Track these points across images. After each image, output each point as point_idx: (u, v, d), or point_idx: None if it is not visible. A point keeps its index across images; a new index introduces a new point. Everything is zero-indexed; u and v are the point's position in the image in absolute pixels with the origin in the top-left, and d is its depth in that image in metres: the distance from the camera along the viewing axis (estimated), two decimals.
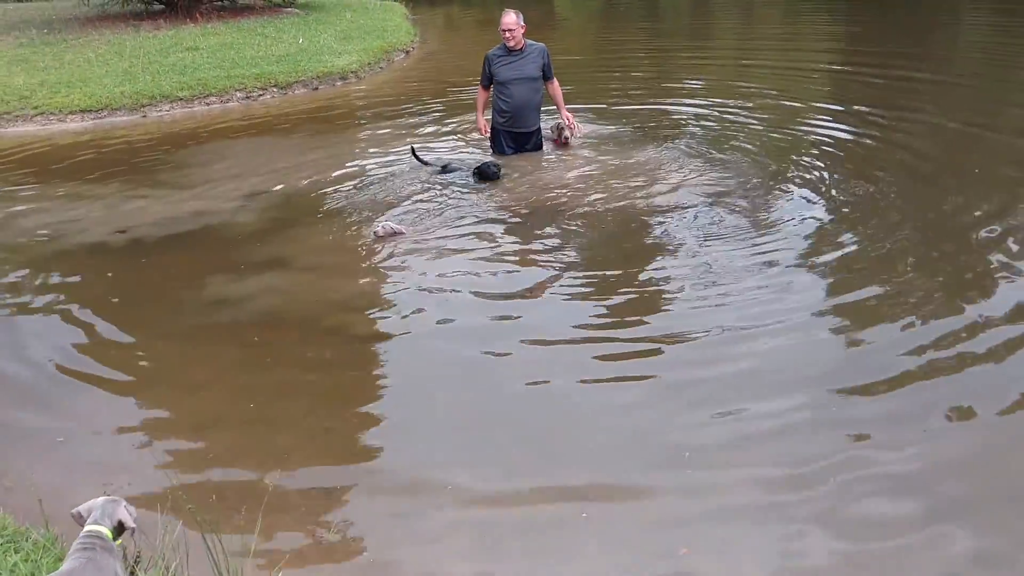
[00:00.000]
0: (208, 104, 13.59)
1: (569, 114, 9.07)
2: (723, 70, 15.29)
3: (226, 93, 13.88)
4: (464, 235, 6.90)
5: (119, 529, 2.82)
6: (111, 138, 11.86)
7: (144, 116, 13.07)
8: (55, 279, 6.74)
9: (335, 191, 8.41)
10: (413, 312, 5.65)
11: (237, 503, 3.69)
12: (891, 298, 5.39)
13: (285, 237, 7.17)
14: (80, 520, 2.80)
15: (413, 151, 8.93)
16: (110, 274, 6.85)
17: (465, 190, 8.02)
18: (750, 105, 11.25)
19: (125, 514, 2.83)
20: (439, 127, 10.92)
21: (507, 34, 8.41)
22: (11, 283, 6.76)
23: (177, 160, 10.25)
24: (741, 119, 10.57)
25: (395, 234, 6.74)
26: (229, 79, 14.21)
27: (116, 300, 6.32)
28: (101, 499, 2.88)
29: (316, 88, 14.61)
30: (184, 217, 7.95)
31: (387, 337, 5.41)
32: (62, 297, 6.35)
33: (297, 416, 4.57)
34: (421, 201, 7.79)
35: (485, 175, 8.12)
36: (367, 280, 6.26)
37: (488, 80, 8.71)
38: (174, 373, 5.19)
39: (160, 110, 13.26)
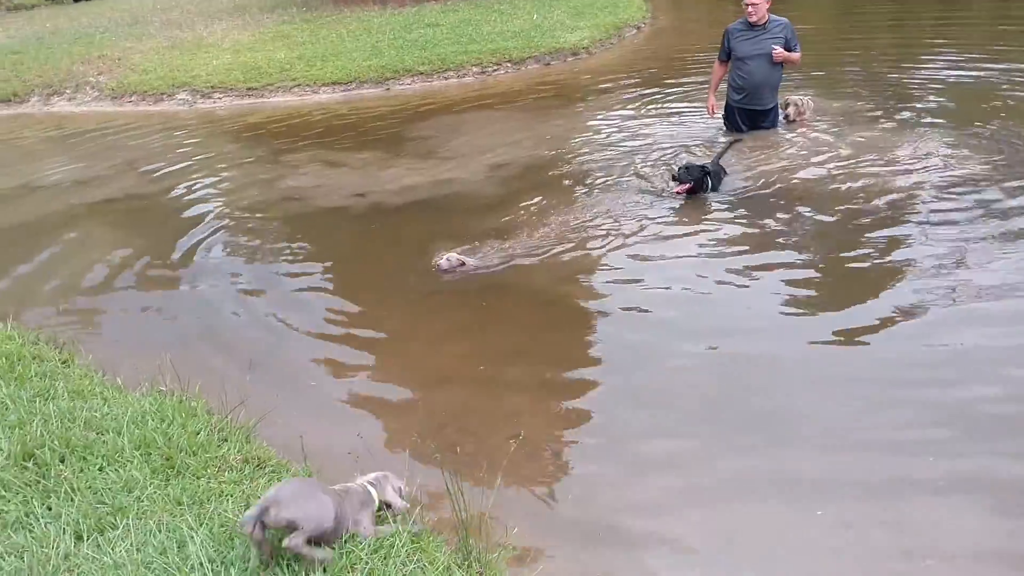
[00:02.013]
0: (446, 79, 14.15)
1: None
2: (978, 33, 13.90)
3: (463, 68, 14.38)
4: (692, 212, 6.76)
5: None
6: (359, 109, 12.66)
7: (388, 89, 13.83)
8: (300, 238, 7.34)
9: (572, 166, 8.51)
10: (637, 285, 5.65)
11: (476, 458, 3.85)
12: None
13: (519, 208, 7.33)
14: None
15: (720, 154, 7.76)
16: (347, 235, 7.36)
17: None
18: (1011, 75, 10.14)
19: (392, 494, 3.16)
20: (669, 105, 10.73)
21: (750, 8, 8.08)
22: (261, 241, 7.41)
23: (418, 131, 10.77)
24: (999, 91, 9.55)
25: (461, 265, 6.14)
26: (466, 54, 14.71)
27: (352, 260, 6.77)
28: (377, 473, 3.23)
29: (548, 64, 14.80)
30: (424, 185, 8.34)
31: (611, 311, 5.43)
32: (307, 254, 6.93)
33: (524, 380, 4.70)
34: (653, 176, 7.73)
35: (684, 180, 7.04)
36: (595, 254, 6.28)
37: (726, 55, 8.44)
38: (407, 331, 5.49)
39: (402, 83, 13.97)
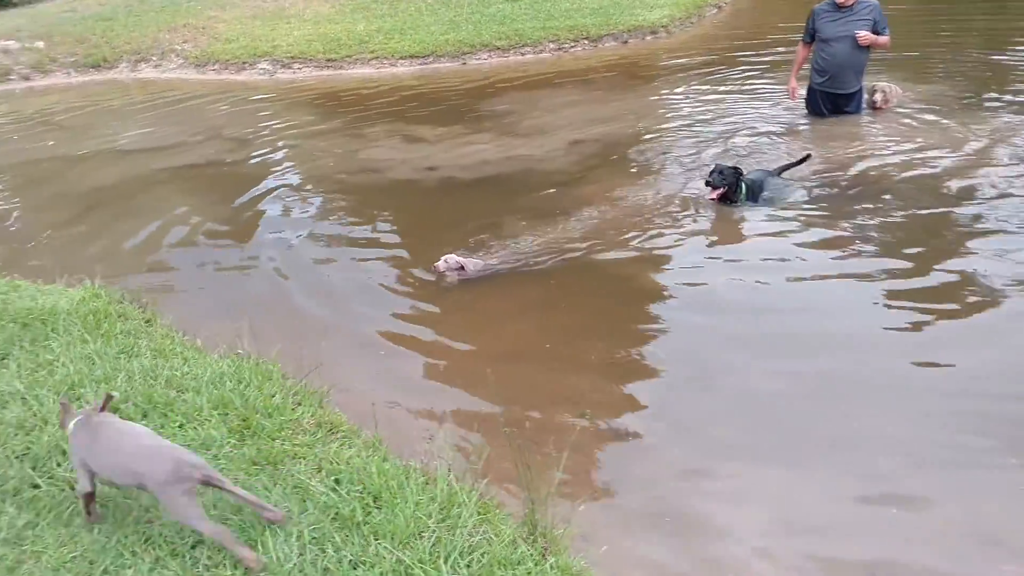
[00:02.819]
0: (523, 54, 14.09)
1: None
2: None
3: (540, 44, 14.30)
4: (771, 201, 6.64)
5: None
6: (434, 83, 12.71)
7: (464, 63, 13.84)
8: (372, 210, 7.44)
9: (650, 146, 8.41)
10: (707, 272, 5.59)
11: (543, 435, 3.88)
12: None
13: (593, 187, 7.29)
14: None
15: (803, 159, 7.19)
16: (418, 208, 7.44)
17: (775, 146, 7.71)
18: None
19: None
20: (750, 87, 10.50)
21: None
22: (334, 211, 7.53)
23: (494, 106, 10.77)
24: None
25: (460, 269, 5.80)
26: (544, 30, 14.63)
27: (421, 233, 6.83)
28: None
29: (626, 41, 14.62)
30: (497, 161, 8.35)
31: (680, 296, 5.38)
32: (377, 226, 7.02)
33: (590, 359, 4.69)
34: (729, 161, 7.60)
35: (717, 185, 6.54)
36: (667, 238, 6.21)
37: (810, 36, 8.21)
38: (474, 307, 5.53)
39: (479, 58, 13.97)
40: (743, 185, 6.63)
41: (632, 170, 7.67)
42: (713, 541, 3.26)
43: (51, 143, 10.53)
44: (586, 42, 14.44)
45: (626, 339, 4.97)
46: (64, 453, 3.30)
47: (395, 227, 7.01)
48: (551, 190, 7.37)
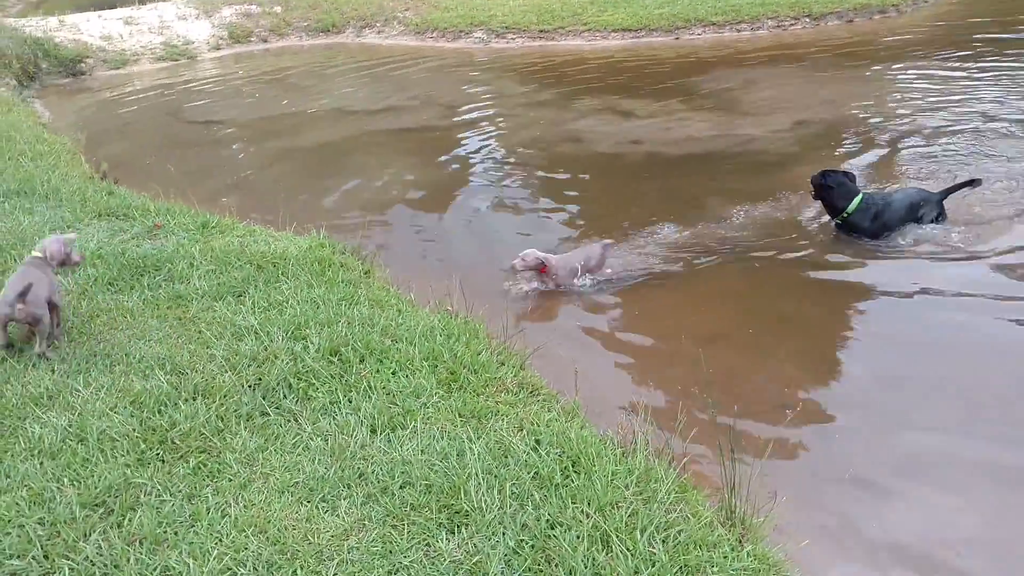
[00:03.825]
0: (738, 30, 13.66)
1: None
2: None
3: (757, 20, 13.80)
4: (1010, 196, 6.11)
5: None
6: (646, 56, 12.57)
7: (676, 38, 13.59)
8: (572, 178, 7.52)
9: (878, 132, 8.00)
10: (924, 272, 5.28)
11: (743, 420, 3.80)
12: None
13: (810, 171, 6.98)
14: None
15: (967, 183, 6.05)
16: (619, 182, 7.44)
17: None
18: None
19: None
20: (987, 72, 9.64)
21: None
22: (537, 180, 7.66)
23: (708, 83, 10.53)
24: None
25: (536, 268, 5.26)
26: (763, 6, 14.09)
27: (621, 207, 6.81)
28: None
29: (851, 20, 13.84)
30: (708, 138, 8.19)
31: (892, 294, 5.10)
32: (578, 196, 7.10)
33: (792, 348, 4.55)
34: (961, 153, 7.06)
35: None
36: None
37: None
38: (676, 285, 5.46)
39: (692, 33, 13.68)
40: (831, 195, 5.75)
41: (855, 158, 7.28)
42: (910, 544, 3.09)
43: (284, 102, 11.31)
44: (807, 20, 13.80)
45: (827, 329, 4.81)
46: (291, 386, 3.57)
47: (595, 199, 7.05)
48: (766, 172, 7.14)
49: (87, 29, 14.69)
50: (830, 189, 5.76)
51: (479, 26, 15.05)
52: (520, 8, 15.54)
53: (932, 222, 5.74)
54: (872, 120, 8.27)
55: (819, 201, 5.93)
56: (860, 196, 5.71)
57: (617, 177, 7.61)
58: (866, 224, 5.69)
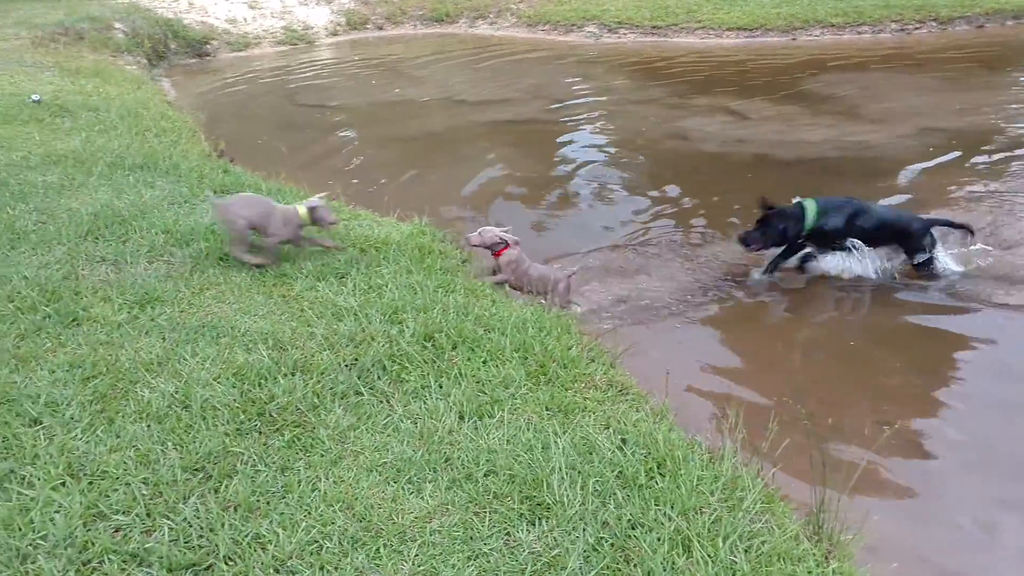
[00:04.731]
0: (859, 33, 13.21)
1: None
2: None
3: (880, 23, 13.32)
4: None
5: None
6: (761, 56, 12.30)
7: (793, 39, 13.24)
8: (671, 174, 7.42)
9: (1012, 143, 7.62)
10: None
11: (838, 433, 3.70)
12: None
13: (932, 184, 6.71)
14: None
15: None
16: (724, 182, 7.31)
17: None
18: None
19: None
20: None
21: None
22: (639, 176, 7.60)
23: (827, 86, 10.23)
24: None
25: (492, 249, 4.96)
26: (887, 8, 13.59)
27: (721, 208, 6.68)
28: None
29: (981, 26, 13.21)
30: (825, 143, 7.98)
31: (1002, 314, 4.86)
32: (679, 194, 7.02)
33: (893, 364, 4.39)
34: None
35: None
36: (1007, 246, 5.59)
37: None
38: (771, 294, 5.32)
39: (810, 34, 13.30)
40: (811, 204, 5.20)
41: (981, 170, 6.96)
42: None
43: (396, 90, 11.54)
44: (934, 24, 13.24)
45: (931, 348, 4.61)
46: (384, 368, 3.66)
47: (694, 199, 6.92)
48: (886, 178, 6.89)
49: (214, 12, 15.32)
50: (772, 220, 5.30)
51: (591, 20, 15.01)
52: (634, 4, 15.42)
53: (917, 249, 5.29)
54: (1009, 133, 7.87)
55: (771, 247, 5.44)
56: (811, 201, 5.25)
57: (721, 178, 7.47)
58: (840, 224, 5.21)
